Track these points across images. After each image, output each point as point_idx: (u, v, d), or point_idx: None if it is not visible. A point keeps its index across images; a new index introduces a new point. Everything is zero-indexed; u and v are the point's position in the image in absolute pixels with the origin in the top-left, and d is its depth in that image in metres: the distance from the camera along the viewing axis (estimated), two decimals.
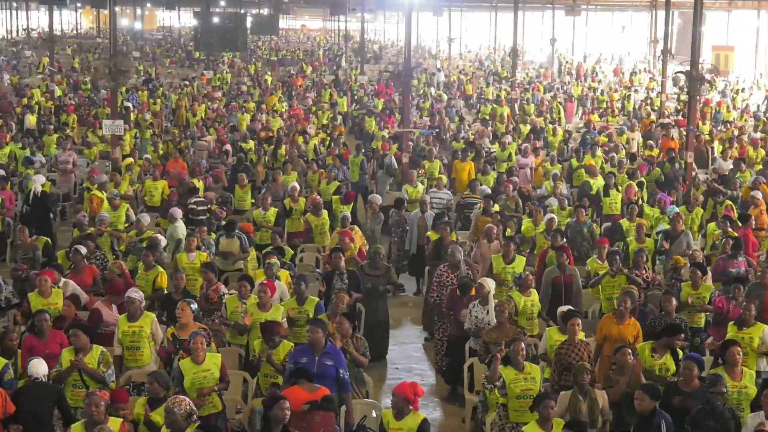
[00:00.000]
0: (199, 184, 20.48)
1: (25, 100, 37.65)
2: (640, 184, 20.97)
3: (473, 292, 13.34)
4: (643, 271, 14.62)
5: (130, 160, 23.35)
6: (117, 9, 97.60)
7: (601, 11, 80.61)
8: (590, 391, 10.43)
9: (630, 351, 10.88)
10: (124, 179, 21.18)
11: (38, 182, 20.32)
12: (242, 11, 66.10)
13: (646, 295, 14.09)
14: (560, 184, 21.52)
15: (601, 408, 10.36)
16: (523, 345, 10.73)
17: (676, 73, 25.86)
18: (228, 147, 26.38)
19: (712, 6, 62.83)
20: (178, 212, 17.29)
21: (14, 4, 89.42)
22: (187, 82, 45.53)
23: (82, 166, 24.94)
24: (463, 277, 13.99)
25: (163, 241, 15.86)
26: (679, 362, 11.09)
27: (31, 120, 31.35)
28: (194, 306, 11.89)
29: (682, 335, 11.59)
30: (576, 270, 14.87)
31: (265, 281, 13.15)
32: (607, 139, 28.85)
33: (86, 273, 14.51)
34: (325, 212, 18.58)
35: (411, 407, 9.73)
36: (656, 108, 37.58)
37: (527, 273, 14.03)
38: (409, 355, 15.69)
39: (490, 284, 13.13)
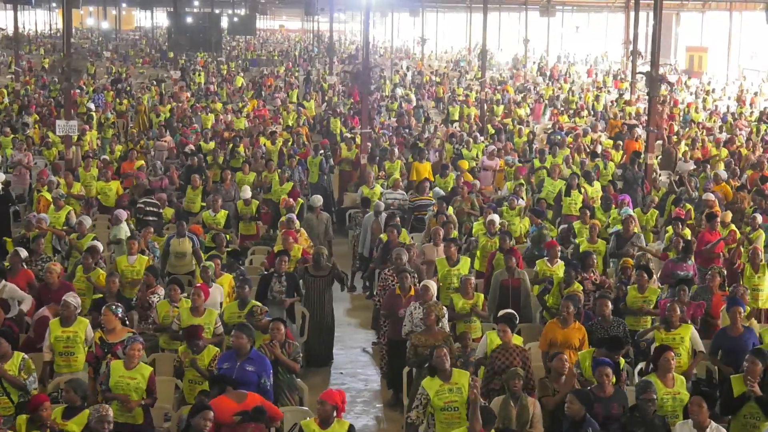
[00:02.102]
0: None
1: None
2: (612, 184, 20.84)
3: (411, 292, 13.11)
4: (592, 274, 14.40)
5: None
6: (91, 9, 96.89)
7: (577, 12, 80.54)
8: (522, 397, 10.20)
9: (565, 357, 10.67)
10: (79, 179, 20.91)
11: None
12: (218, 11, 65.97)
13: (595, 299, 13.80)
14: (522, 186, 21.40)
15: (532, 415, 10.11)
16: (445, 351, 10.38)
17: (636, 73, 25.72)
18: (190, 147, 26.08)
19: (685, 7, 62.86)
20: (122, 214, 17.02)
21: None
22: (155, 82, 45.15)
23: (40, 166, 24.61)
24: (401, 271, 13.75)
25: (100, 247, 15.48)
26: (620, 372, 10.93)
27: None
28: (119, 310, 11.59)
29: (623, 350, 11.39)
30: (525, 273, 14.61)
31: (199, 285, 12.89)
32: (572, 140, 28.67)
33: (20, 277, 14.06)
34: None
35: (335, 414, 9.47)
36: (622, 109, 37.50)
37: (469, 276, 13.76)
38: (355, 360, 15.45)
39: (434, 287, 12.87)
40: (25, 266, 14.39)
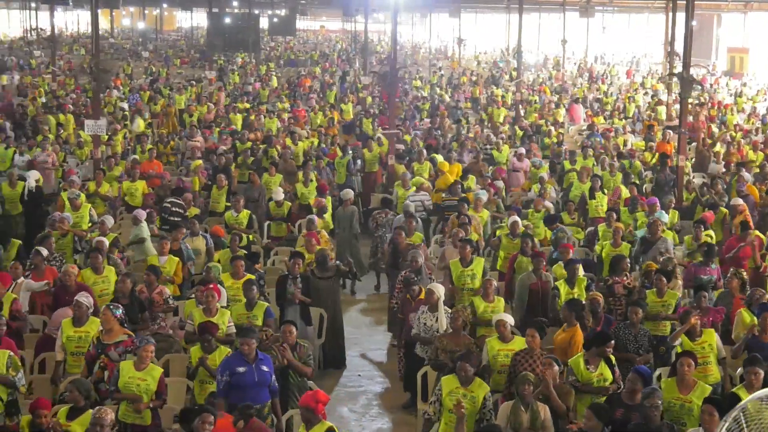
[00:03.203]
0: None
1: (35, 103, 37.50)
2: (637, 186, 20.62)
3: (422, 296, 12.99)
4: (624, 278, 14.18)
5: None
6: (132, 9, 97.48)
7: (618, 13, 79.91)
8: (532, 402, 10.06)
9: (552, 362, 10.51)
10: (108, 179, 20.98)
11: (32, 178, 20.34)
12: (257, 12, 66.16)
13: (627, 304, 13.46)
14: (549, 187, 21.19)
15: (543, 420, 9.97)
16: (468, 366, 10.31)
17: (667, 75, 25.39)
18: (222, 148, 26.06)
19: (726, 8, 62.16)
20: (141, 214, 17.01)
21: (32, 5, 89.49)
22: (193, 82, 45.30)
23: (71, 166, 24.75)
24: (407, 274, 13.63)
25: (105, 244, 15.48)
26: (614, 369, 10.75)
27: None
28: (118, 311, 11.54)
29: (612, 342, 11.18)
30: (550, 276, 14.45)
31: (212, 285, 12.85)
32: (604, 141, 28.43)
33: (47, 275, 14.19)
34: (329, 216, 18.46)
35: (318, 416, 9.36)
36: (653, 109, 37.22)
37: (489, 278, 13.60)
38: (373, 362, 15.34)
39: (439, 290, 12.74)
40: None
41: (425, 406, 11.86)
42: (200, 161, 23.19)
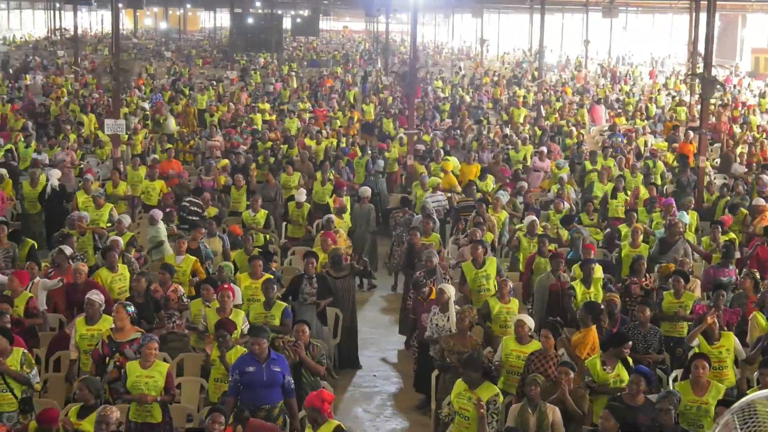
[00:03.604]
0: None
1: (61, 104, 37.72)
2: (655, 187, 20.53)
3: (433, 296, 12.94)
4: (643, 279, 14.11)
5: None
6: (156, 9, 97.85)
7: (642, 14, 79.53)
8: (540, 404, 9.98)
9: (569, 370, 10.42)
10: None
11: (54, 176, 20.41)
12: (279, 12, 66.24)
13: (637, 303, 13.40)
14: (569, 188, 21.13)
15: (552, 422, 9.88)
16: (471, 373, 10.19)
17: (688, 75, 25.24)
18: (243, 148, 26.10)
19: (751, 8, 61.75)
20: (158, 213, 17.01)
21: (56, 5, 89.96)
22: (215, 82, 45.39)
23: (92, 165, 24.84)
24: (415, 276, 13.57)
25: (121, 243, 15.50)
26: (631, 370, 10.67)
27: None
28: (131, 309, 11.55)
29: (629, 343, 11.09)
30: (568, 276, 14.37)
31: (226, 285, 12.83)
32: (626, 141, 28.31)
33: (71, 274, 14.17)
34: (347, 215, 18.48)
35: (323, 415, 9.31)
36: (674, 110, 37.03)
37: (504, 278, 13.52)
38: (388, 362, 15.29)
39: (450, 290, 12.67)
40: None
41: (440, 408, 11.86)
42: (227, 161, 23.22)
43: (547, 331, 11.26)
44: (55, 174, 20.62)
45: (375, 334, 16.22)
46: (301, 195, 19.21)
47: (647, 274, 14.31)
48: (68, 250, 14.60)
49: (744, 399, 3.68)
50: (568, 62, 68.62)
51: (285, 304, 13.01)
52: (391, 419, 13.20)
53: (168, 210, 17.80)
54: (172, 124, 30.99)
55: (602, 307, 12.34)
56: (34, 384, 10.57)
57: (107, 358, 11.17)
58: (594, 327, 11.81)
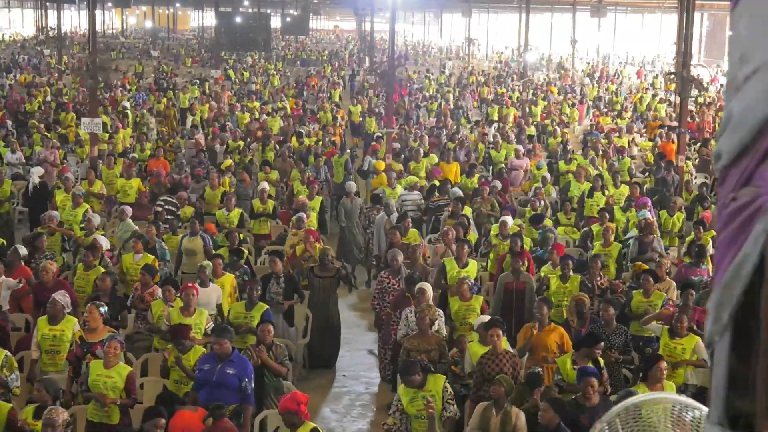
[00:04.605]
0: None
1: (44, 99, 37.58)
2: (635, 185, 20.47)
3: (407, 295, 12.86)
4: (598, 278, 14.08)
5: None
6: (144, 9, 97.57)
7: (630, 13, 79.57)
8: (506, 406, 9.87)
9: (541, 372, 10.35)
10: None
11: (36, 174, 20.44)
12: (268, 11, 66.12)
13: (599, 303, 13.36)
14: (550, 188, 21.11)
15: (515, 425, 9.77)
16: (411, 379, 10.09)
17: (667, 74, 25.24)
18: (218, 147, 26.03)
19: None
20: (128, 210, 16.91)
21: (47, 4, 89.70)
22: (197, 81, 45.27)
23: (71, 164, 24.76)
24: (411, 273, 13.49)
25: (105, 243, 15.40)
26: (602, 371, 10.58)
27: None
28: (103, 309, 11.46)
29: (602, 343, 11.02)
30: (530, 277, 14.28)
31: (190, 284, 12.72)
32: (606, 141, 28.26)
33: (18, 273, 13.95)
34: (314, 215, 18.37)
35: (301, 417, 9.23)
36: (656, 108, 37.10)
37: (463, 277, 13.42)
38: (360, 362, 15.20)
39: (430, 290, 12.60)
40: (23, 263, 14.33)
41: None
42: (230, 161, 23.07)
43: (495, 329, 11.10)
44: (37, 172, 20.55)
45: (347, 333, 16.02)
46: (263, 185, 19.18)
47: (600, 274, 14.26)
48: (23, 250, 14.45)
49: (630, 401, 3.58)
50: (550, 62, 68.61)
51: (266, 305, 12.90)
52: (358, 419, 13.11)
53: (156, 210, 17.64)
54: (152, 122, 30.83)
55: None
56: (12, 388, 10.45)
57: (80, 359, 11.07)
58: (557, 327, 11.77)
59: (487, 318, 11.69)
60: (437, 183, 20.47)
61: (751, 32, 1.93)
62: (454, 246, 14.55)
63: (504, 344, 11.14)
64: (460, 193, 19.38)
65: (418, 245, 15.26)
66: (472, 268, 14.29)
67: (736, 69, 1.96)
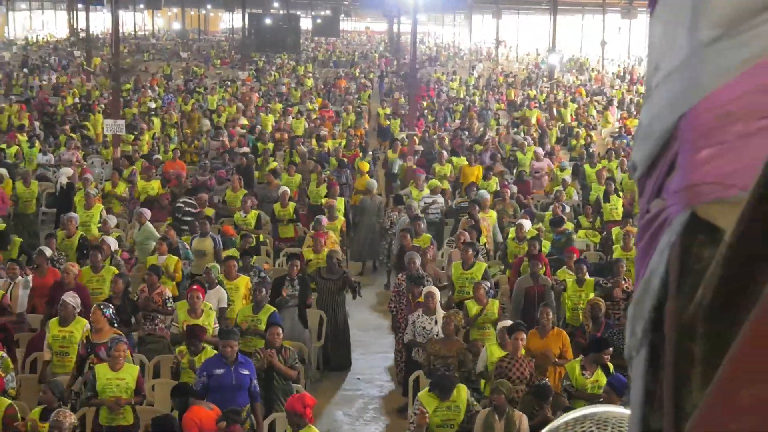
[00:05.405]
0: None
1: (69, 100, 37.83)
2: None
3: (421, 299, 12.79)
4: (623, 282, 13.95)
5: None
6: (175, 10, 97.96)
7: None
8: (509, 411, 9.81)
9: (548, 383, 10.27)
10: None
11: (64, 175, 20.61)
12: (298, 13, 66.27)
13: (625, 306, 13.32)
14: (572, 190, 20.96)
15: (519, 428, 9.71)
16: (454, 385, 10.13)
17: None
18: (245, 149, 26.00)
19: None
20: (146, 213, 16.94)
21: (79, 6, 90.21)
22: (228, 83, 45.38)
23: (96, 165, 24.91)
24: (415, 273, 13.45)
25: (114, 244, 15.43)
26: (611, 376, 10.50)
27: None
28: (108, 311, 11.47)
29: (610, 349, 10.92)
30: (548, 280, 14.21)
31: (195, 287, 12.71)
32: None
33: (50, 276, 14.12)
34: (341, 215, 18.35)
35: (305, 420, 9.21)
36: None
37: (479, 281, 13.36)
38: (374, 365, 15.12)
39: (438, 295, 12.55)
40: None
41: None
42: (276, 163, 23.05)
43: (519, 333, 11.10)
44: (65, 173, 20.69)
45: (364, 336, 16.07)
46: (282, 188, 19.15)
47: (626, 277, 14.13)
48: (48, 251, 14.54)
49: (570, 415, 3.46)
50: (578, 64, 68.28)
51: (273, 308, 12.89)
52: (370, 423, 13.06)
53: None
54: (155, 124, 30.77)
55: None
56: (8, 389, 10.46)
57: (84, 360, 11.10)
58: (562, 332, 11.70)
59: (509, 322, 11.63)
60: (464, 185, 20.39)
61: (663, 39, 1.88)
62: (470, 251, 14.45)
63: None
64: (487, 196, 19.04)
65: (428, 248, 15.22)
66: (478, 270, 14.21)
67: (650, 77, 1.90)
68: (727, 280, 1.55)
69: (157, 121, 30.71)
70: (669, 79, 1.80)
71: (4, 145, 24.75)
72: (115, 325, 11.60)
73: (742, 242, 1.52)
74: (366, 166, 22.24)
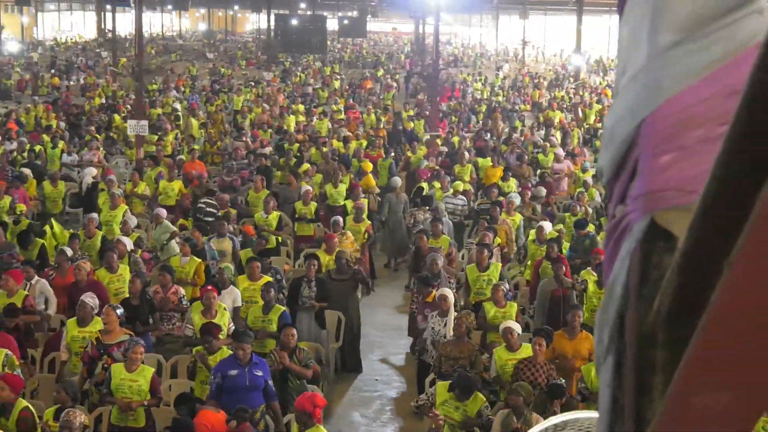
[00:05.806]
0: None
1: (96, 101, 38.02)
2: None
3: (429, 299, 12.76)
4: None
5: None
6: (202, 11, 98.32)
7: None
8: (526, 413, 9.78)
9: (563, 383, 10.24)
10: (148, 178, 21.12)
11: (89, 175, 20.84)
12: (324, 14, 66.29)
13: None
14: (594, 191, 20.85)
15: None
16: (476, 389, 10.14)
17: None
18: (269, 149, 26.02)
19: None
20: (163, 212, 16.97)
21: (107, 7, 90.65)
22: (253, 84, 45.47)
23: (120, 166, 25.03)
24: (423, 274, 13.42)
25: (129, 244, 15.47)
26: None
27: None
28: (120, 311, 11.50)
29: None
30: (569, 281, 14.15)
31: (210, 287, 12.72)
32: None
33: (70, 276, 14.17)
34: (367, 220, 18.29)
35: (313, 420, 9.21)
36: None
37: (498, 283, 13.32)
38: (392, 366, 15.11)
39: (452, 296, 12.52)
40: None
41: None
42: (308, 165, 23.02)
43: (539, 338, 11.08)
44: (90, 173, 20.81)
45: (382, 336, 16.04)
46: (304, 188, 19.18)
47: None
48: (69, 251, 14.59)
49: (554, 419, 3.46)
50: (601, 64, 67.94)
51: (283, 308, 12.89)
52: (387, 424, 13.03)
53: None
54: (192, 125, 30.80)
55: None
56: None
57: (96, 361, 11.12)
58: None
59: (514, 324, 11.58)
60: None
61: (630, 42, 1.86)
62: (485, 252, 14.41)
63: (526, 350, 11.10)
64: (515, 199, 18.92)
65: (440, 248, 15.20)
66: (494, 271, 14.19)
67: (618, 79, 1.88)
68: (683, 287, 1.52)
69: (194, 121, 30.58)
70: (632, 83, 1.78)
71: (37, 146, 24.87)
72: (124, 325, 11.61)
73: (695, 249, 1.49)
74: (369, 167, 22.20)
